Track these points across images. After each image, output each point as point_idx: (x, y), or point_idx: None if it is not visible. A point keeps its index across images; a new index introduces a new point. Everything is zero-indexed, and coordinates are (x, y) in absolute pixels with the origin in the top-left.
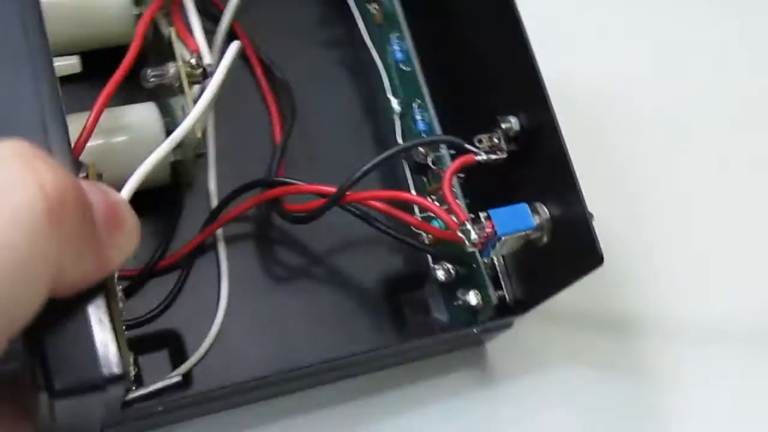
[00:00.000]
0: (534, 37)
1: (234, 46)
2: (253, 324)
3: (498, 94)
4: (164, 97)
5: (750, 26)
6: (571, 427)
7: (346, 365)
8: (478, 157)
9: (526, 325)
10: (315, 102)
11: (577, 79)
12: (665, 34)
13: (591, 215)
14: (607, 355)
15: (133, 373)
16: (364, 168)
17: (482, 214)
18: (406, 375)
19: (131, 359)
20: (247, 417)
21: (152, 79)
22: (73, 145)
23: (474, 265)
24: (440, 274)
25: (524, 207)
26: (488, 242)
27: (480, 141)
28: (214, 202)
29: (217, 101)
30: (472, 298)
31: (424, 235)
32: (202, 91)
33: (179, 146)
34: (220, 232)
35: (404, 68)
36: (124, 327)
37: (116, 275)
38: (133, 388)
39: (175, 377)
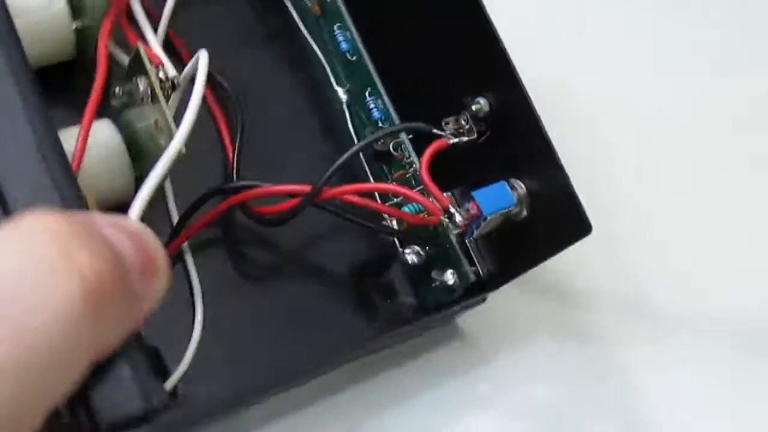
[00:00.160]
0: (532, 40)
1: (204, 55)
2: (233, 332)
3: (458, 75)
4: (114, 112)
5: (750, 25)
6: (550, 399)
7: (332, 363)
8: (451, 141)
9: (495, 299)
10: (258, 100)
11: (576, 79)
12: (664, 33)
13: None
14: (576, 326)
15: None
16: (337, 163)
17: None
18: (381, 362)
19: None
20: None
21: (123, 97)
22: None
23: (447, 245)
24: (410, 258)
25: (504, 185)
26: (472, 224)
27: (446, 124)
28: (175, 217)
29: None
30: (449, 277)
31: (389, 220)
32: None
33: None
34: (185, 244)
35: (351, 58)
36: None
37: None
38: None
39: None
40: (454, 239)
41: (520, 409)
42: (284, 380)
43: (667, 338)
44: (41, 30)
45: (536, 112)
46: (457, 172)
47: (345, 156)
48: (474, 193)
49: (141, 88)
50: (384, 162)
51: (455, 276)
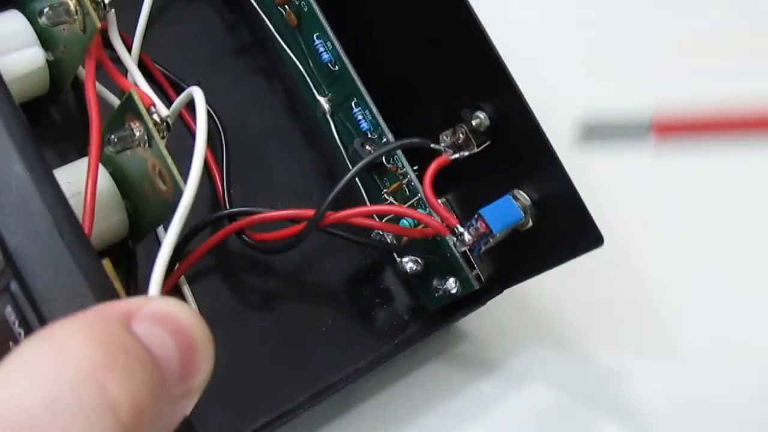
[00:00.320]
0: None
1: (198, 92)
2: (234, 361)
3: (449, 82)
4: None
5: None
6: (551, 400)
7: (340, 385)
8: (453, 156)
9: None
10: (236, 116)
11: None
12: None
13: None
14: (573, 330)
15: None
16: (339, 186)
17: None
18: (385, 371)
19: None
20: None
21: (118, 144)
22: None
23: (447, 254)
24: (409, 266)
25: (509, 199)
26: (480, 241)
27: (444, 137)
28: None
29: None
30: (452, 285)
31: (384, 234)
32: None
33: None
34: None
35: (333, 68)
36: None
37: None
38: None
39: None
40: (454, 248)
41: (521, 410)
42: (287, 414)
43: (664, 342)
44: (15, 65)
45: (537, 120)
46: (454, 182)
47: (346, 178)
48: (481, 211)
49: (137, 134)
50: (376, 173)
51: (457, 283)
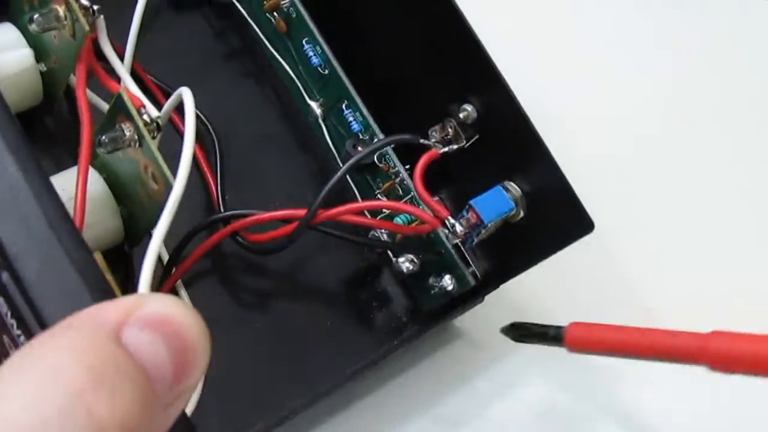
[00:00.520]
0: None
1: (188, 94)
2: (232, 364)
3: (439, 81)
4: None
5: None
6: (549, 395)
7: (337, 385)
8: (442, 150)
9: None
10: (228, 122)
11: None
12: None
13: None
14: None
15: None
16: (329, 185)
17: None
18: (380, 369)
19: None
20: None
21: (108, 145)
22: None
23: (442, 251)
24: (405, 266)
25: (499, 189)
26: (472, 232)
27: (432, 132)
28: (165, 255)
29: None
30: (448, 282)
31: (378, 232)
32: None
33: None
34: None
35: (323, 72)
36: None
37: None
38: None
39: None
40: (449, 245)
41: (516, 409)
42: (285, 418)
43: None
44: (10, 76)
45: (524, 112)
46: (446, 178)
47: (336, 176)
48: (472, 202)
49: (127, 134)
50: (369, 173)
51: (453, 280)
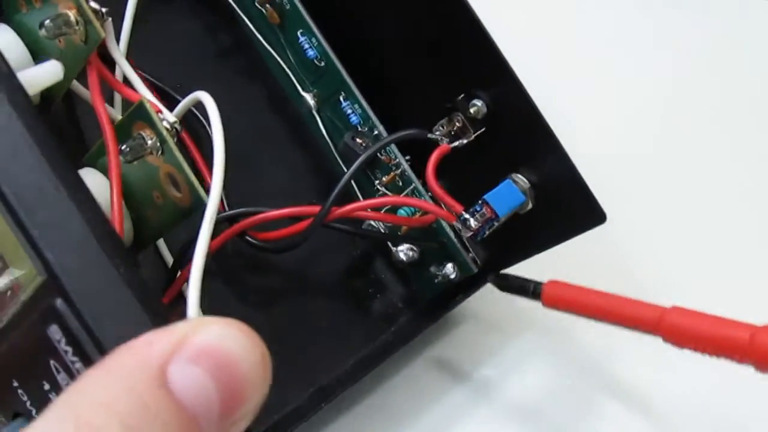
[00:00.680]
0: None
1: (208, 99)
2: None
3: (439, 73)
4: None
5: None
6: (551, 377)
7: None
8: (453, 145)
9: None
10: (222, 118)
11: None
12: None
13: None
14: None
15: None
16: (343, 181)
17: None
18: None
19: None
20: None
21: (128, 154)
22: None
23: (445, 240)
24: (406, 255)
25: (510, 183)
26: (485, 225)
27: (440, 127)
28: (168, 258)
29: None
30: (450, 270)
31: (377, 224)
32: None
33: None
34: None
35: (319, 64)
36: None
37: None
38: None
39: None
40: (451, 234)
41: (519, 397)
42: (293, 414)
43: None
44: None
45: (535, 104)
46: (451, 173)
47: (350, 172)
48: (486, 197)
49: (149, 142)
50: (368, 166)
51: (455, 268)
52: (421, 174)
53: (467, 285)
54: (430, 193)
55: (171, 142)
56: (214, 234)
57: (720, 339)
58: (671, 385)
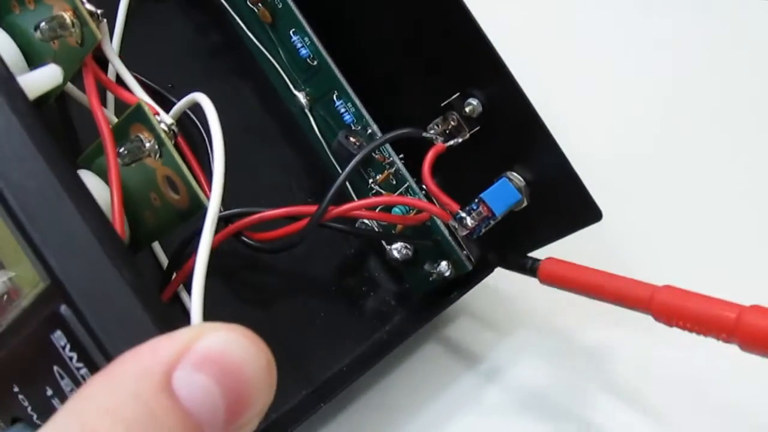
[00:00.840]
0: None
1: (206, 101)
2: None
3: (432, 71)
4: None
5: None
6: (546, 374)
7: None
8: (448, 144)
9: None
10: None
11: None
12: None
13: None
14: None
15: None
16: (339, 180)
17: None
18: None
19: None
20: None
21: (126, 156)
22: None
23: (439, 238)
24: (399, 253)
25: (505, 181)
26: (481, 224)
27: (435, 126)
28: (163, 260)
29: None
30: (445, 268)
31: (370, 223)
32: None
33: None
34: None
35: (312, 63)
36: None
37: None
38: None
39: None
40: (446, 232)
41: (513, 393)
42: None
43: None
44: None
45: (530, 101)
46: (445, 171)
47: (346, 171)
48: (482, 196)
49: (147, 145)
50: (362, 165)
51: (450, 266)
52: (414, 172)
53: (462, 282)
54: (424, 191)
55: (169, 145)
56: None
57: (708, 317)
58: (664, 378)
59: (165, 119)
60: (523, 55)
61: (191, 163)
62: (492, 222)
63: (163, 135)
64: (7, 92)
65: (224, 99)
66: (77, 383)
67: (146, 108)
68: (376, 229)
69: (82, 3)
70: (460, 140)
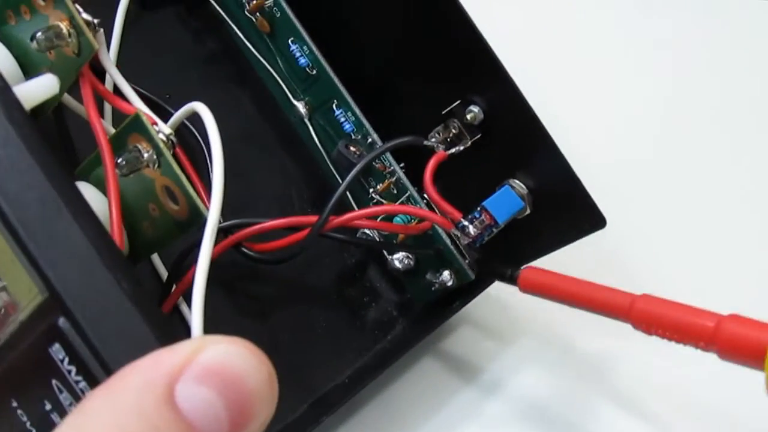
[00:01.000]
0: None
1: (205, 110)
2: None
3: (433, 80)
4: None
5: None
6: (548, 384)
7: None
8: (450, 151)
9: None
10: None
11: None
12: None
13: None
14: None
15: None
16: (340, 189)
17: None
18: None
19: None
20: None
21: (124, 167)
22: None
23: (441, 247)
24: (401, 263)
25: (508, 189)
26: (484, 232)
27: (436, 134)
28: (163, 272)
29: None
30: (447, 277)
31: (370, 233)
32: None
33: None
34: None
35: (311, 72)
36: None
37: None
38: None
39: None
40: (448, 241)
41: (515, 403)
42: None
43: None
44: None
45: (532, 109)
46: (446, 180)
47: (347, 181)
48: (485, 204)
49: (145, 155)
50: (362, 174)
51: (452, 275)
52: (415, 181)
53: (464, 292)
54: (425, 200)
55: (168, 155)
56: None
57: (686, 326)
58: (666, 387)
59: (163, 129)
60: (522, 57)
61: (190, 174)
62: (495, 230)
63: (161, 145)
64: (3, 102)
65: (223, 108)
66: (76, 397)
67: (144, 118)
68: (378, 239)
69: (79, 12)
70: (461, 148)
